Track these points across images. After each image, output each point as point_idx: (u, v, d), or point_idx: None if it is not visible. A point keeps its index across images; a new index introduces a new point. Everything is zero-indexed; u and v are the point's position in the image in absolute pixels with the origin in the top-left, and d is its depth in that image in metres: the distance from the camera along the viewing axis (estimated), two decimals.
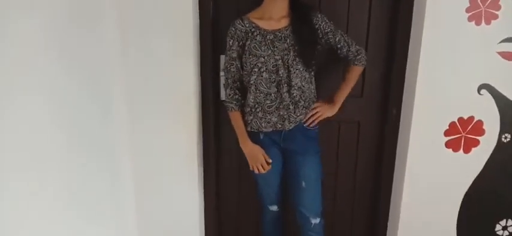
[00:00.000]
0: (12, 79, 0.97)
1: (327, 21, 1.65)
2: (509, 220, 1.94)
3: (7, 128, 0.97)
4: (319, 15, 1.65)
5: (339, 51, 1.67)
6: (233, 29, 1.63)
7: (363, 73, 1.88)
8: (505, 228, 1.96)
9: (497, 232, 1.97)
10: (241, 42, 1.63)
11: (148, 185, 1.92)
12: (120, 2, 1.67)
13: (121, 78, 1.74)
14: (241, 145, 1.71)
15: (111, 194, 1.68)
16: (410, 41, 1.79)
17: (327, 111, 1.71)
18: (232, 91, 1.68)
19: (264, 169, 1.69)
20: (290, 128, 1.65)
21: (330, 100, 1.73)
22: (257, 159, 1.68)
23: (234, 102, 1.69)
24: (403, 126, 1.88)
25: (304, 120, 1.67)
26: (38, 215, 1.11)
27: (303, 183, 1.69)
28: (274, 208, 1.85)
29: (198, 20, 1.80)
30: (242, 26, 1.62)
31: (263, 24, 1.62)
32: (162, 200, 1.94)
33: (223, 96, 1.90)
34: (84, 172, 1.39)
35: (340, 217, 2.11)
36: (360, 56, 1.67)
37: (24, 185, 1.04)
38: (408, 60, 1.81)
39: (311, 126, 1.69)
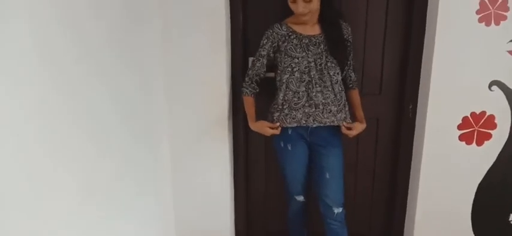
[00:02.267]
0: (80, 69, 1.16)
1: (350, 34, 1.83)
2: None
3: (81, 108, 1.16)
4: (346, 24, 1.83)
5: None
6: (271, 31, 1.80)
7: (381, 72, 2.04)
8: None
9: (511, 222, 2.07)
10: (275, 44, 1.79)
11: (184, 166, 2.10)
12: (164, 9, 1.87)
13: (163, 72, 1.93)
14: (249, 125, 1.89)
15: (153, 171, 1.86)
16: (424, 41, 1.93)
17: (359, 128, 1.84)
18: (250, 80, 1.87)
19: (272, 131, 1.82)
20: (314, 126, 1.78)
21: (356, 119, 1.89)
22: (263, 129, 1.84)
23: (249, 89, 1.87)
24: (418, 121, 2.01)
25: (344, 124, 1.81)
26: (100, 178, 1.30)
27: (327, 174, 1.82)
28: (301, 198, 1.96)
29: (230, 24, 1.98)
30: (280, 30, 1.79)
31: (299, 29, 1.78)
32: (196, 181, 2.11)
33: None
34: (133, 149, 1.59)
35: (360, 207, 2.23)
36: (354, 79, 1.89)
37: (92, 151, 1.23)
38: (423, 59, 1.95)
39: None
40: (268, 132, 1.83)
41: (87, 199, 1.22)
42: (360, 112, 1.90)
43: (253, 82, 1.87)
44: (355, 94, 1.92)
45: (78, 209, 1.17)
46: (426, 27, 1.91)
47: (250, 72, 1.88)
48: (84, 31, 1.18)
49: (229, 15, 1.97)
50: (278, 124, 1.83)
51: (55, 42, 1.03)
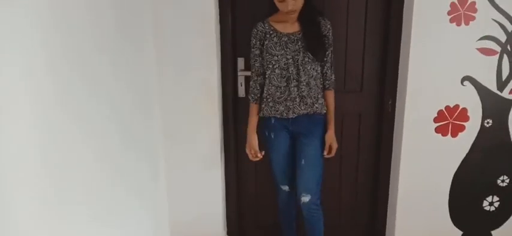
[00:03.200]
0: (77, 72, 1.26)
1: (330, 30, 1.90)
2: (495, 196, 2.19)
3: (85, 113, 1.25)
4: (327, 21, 1.90)
5: (322, 65, 1.92)
6: (255, 30, 1.91)
7: (362, 71, 2.16)
8: (491, 204, 2.20)
9: (485, 207, 2.21)
10: (261, 41, 1.90)
11: (177, 165, 2.19)
12: (157, 13, 1.97)
13: (157, 73, 2.03)
14: (247, 131, 2.01)
15: (149, 173, 1.95)
16: (401, 41, 2.06)
17: (330, 140, 1.96)
18: (254, 85, 1.97)
19: (252, 157, 2.00)
20: (293, 117, 1.89)
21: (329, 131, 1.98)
22: (250, 146, 2.00)
23: (252, 96, 1.98)
24: (398, 115, 2.14)
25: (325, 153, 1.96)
26: (100, 177, 1.39)
27: (302, 161, 1.94)
28: (286, 188, 2.05)
29: (219, 27, 2.08)
30: (262, 28, 1.90)
31: (280, 27, 1.88)
32: (189, 179, 2.21)
33: (240, 93, 2.22)
34: (130, 148, 1.68)
35: (345, 199, 2.35)
36: (332, 80, 1.95)
37: (90, 153, 1.32)
38: (400, 58, 2.08)
39: (331, 156, 1.98)
40: (251, 154, 2.01)
41: (88, 193, 1.31)
42: (330, 117, 1.98)
43: (256, 87, 1.97)
44: (330, 96, 1.98)
45: (81, 205, 1.26)
46: (402, 28, 2.04)
47: (253, 74, 1.98)
48: (81, 35, 1.27)
49: (219, 18, 2.07)
50: (261, 156, 2.00)
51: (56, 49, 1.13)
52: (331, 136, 1.97)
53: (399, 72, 2.10)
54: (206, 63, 2.05)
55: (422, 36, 1.96)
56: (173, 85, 2.08)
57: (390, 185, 2.27)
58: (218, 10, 2.07)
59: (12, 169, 0.91)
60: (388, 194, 2.29)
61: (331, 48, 1.93)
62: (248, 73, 2.19)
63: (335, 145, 1.98)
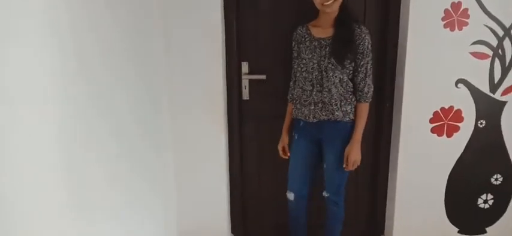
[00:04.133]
0: (103, 80, 1.37)
1: (368, 41, 1.88)
2: (489, 194, 2.28)
3: (100, 112, 1.36)
4: (363, 29, 1.88)
5: (355, 75, 1.91)
6: (295, 33, 2.01)
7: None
8: (485, 201, 2.29)
9: (479, 205, 2.30)
10: (298, 44, 1.99)
11: (184, 165, 2.28)
12: (166, 21, 2.07)
13: (166, 77, 2.13)
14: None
15: (157, 166, 2.05)
16: (398, 46, 2.16)
17: (352, 153, 1.92)
18: (292, 86, 2.07)
19: (281, 153, 2.11)
20: (314, 121, 1.95)
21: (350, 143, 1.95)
22: (280, 143, 2.12)
23: (289, 96, 2.09)
24: (395, 116, 2.24)
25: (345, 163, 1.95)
26: (118, 173, 1.49)
27: (324, 165, 2.04)
28: (291, 195, 2.10)
29: (225, 33, 2.18)
30: (301, 31, 1.99)
31: (315, 32, 1.94)
32: (196, 178, 2.30)
33: (244, 96, 2.32)
34: (142, 149, 1.78)
35: (348, 194, 2.37)
36: (364, 92, 1.91)
37: (112, 147, 1.43)
38: (397, 62, 2.18)
39: (348, 169, 1.95)
40: (279, 149, 2.13)
41: (109, 188, 1.41)
42: (355, 129, 1.93)
43: (293, 88, 2.05)
44: (360, 109, 1.94)
45: (102, 197, 1.36)
46: (399, 34, 2.15)
47: (292, 75, 2.07)
48: (103, 39, 1.38)
49: (224, 25, 2.17)
50: (286, 156, 2.11)
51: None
52: (350, 149, 1.92)
53: (396, 75, 2.20)
54: (212, 68, 2.15)
55: (417, 41, 2.06)
56: (181, 88, 2.17)
57: (389, 183, 2.36)
58: (224, 18, 2.17)
59: (36, 164, 1.01)
60: (386, 192, 2.39)
61: (368, 58, 1.89)
62: (252, 77, 2.30)
63: (353, 158, 1.92)
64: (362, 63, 1.89)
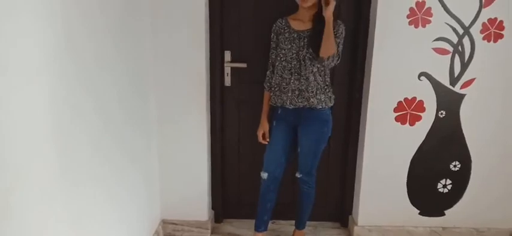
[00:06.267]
0: (95, 75, 1.54)
1: (342, 30, 2.05)
2: (448, 179, 2.47)
3: (100, 98, 1.53)
4: (339, 22, 2.05)
5: None
6: (274, 25, 2.17)
7: (333, 68, 2.28)
8: (444, 186, 2.48)
9: (439, 189, 2.50)
10: (277, 36, 2.15)
11: (168, 146, 2.45)
12: (154, 13, 2.23)
13: (152, 65, 2.29)
14: (261, 115, 2.29)
15: (144, 149, 2.22)
16: (367, 42, 2.33)
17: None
18: (269, 75, 2.23)
19: (260, 139, 2.28)
20: (291, 108, 2.12)
21: None
22: (259, 129, 2.29)
23: (267, 85, 2.25)
24: (363, 106, 2.42)
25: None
26: (102, 152, 1.66)
27: (299, 149, 2.23)
28: (265, 175, 2.26)
29: (209, 22, 2.33)
30: (280, 23, 2.14)
31: (294, 25, 2.10)
32: (179, 159, 2.47)
33: (226, 83, 2.50)
34: (128, 129, 1.96)
35: (319, 177, 2.56)
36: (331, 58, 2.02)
37: (97, 126, 1.60)
38: (366, 56, 2.35)
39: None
40: (259, 135, 2.29)
41: (94, 157, 1.59)
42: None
43: (270, 77, 2.21)
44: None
45: (88, 162, 1.55)
46: (369, 31, 2.32)
47: (269, 65, 2.22)
48: (94, 25, 1.56)
49: (208, 14, 2.32)
50: (265, 142, 2.27)
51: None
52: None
53: (365, 68, 2.38)
54: (196, 55, 2.31)
55: (384, 36, 2.23)
56: (167, 74, 2.32)
57: (357, 168, 2.56)
58: (208, 7, 2.32)
59: (29, 138, 1.17)
60: (355, 175, 2.58)
61: (339, 40, 2.05)
62: (234, 65, 2.48)
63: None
64: (336, 42, 2.03)
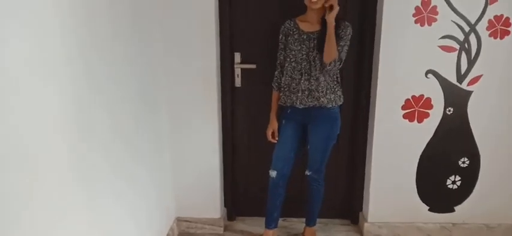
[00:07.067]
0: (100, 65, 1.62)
1: (350, 32, 2.09)
2: (457, 175, 2.49)
3: (113, 90, 1.61)
4: (347, 23, 2.10)
5: None
6: (283, 26, 2.21)
7: (342, 69, 2.29)
8: (454, 182, 2.51)
9: (448, 186, 2.52)
10: (286, 37, 2.20)
11: (180, 148, 2.52)
12: (164, 15, 2.30)
13: (164, 67, 2.36)
14: (270, 115, 2.35)
15: (156, 143, 2.30)
16: (375, 40, 2.37)
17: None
18: (278, 76, 2.28)
19: (269, 137, 2.34)
20: (301, 108, 2.17)
21: None
22: (269, 128, 2.34)
23: (275, 85, 2.30)
24: (371, 103, 2.46)
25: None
26: (114, 149, 1.74)
27: (309, 146, 2.28)
28: (274, 173, 2.30)
29: (219, 24, 2.40)
30: (289, 25, 2.19)
31: (303, 26, 2.14)
32: (191, 158, 2.54)
33: (237, 84, 2.57)
34: (141, 125, 2.04)
35: (328, 175, 2.61)
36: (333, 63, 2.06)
37: (108, 123, 1.67)
38: (373, 55, 2.39)
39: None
40: (268, 134, 2.33)
41: (110, 159, 1.67)
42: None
43: (279, 77, 2.27)
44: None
45: (107, 172, 1.63)
46: (376, 29, 2.36)
47: (277, 66, 2.28)
48: (100, 34, 1.64)
49: (218, 16, 2.39)
50: (275, 140, 2.32)
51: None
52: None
53: (373, 67, 2.41)
54: (206, 57, 2.37)
55: (390, 35, 2.27)
56: (178, 75, 2.39)
57: (366, 165, 2.59)
58: (218, 10, 2.39)
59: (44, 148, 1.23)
60: (364, 173, 2.62)
61: (344, 43, 2.09)
62: (244, 66, 2.55)
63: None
64: (340, 43, 2.09)
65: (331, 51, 2.04)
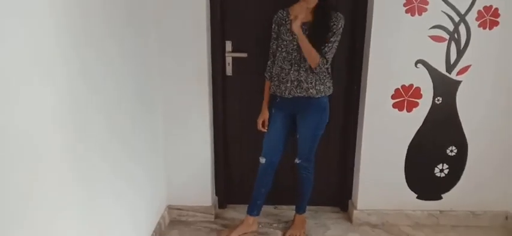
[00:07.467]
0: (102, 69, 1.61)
1: (342, 25, 2.08)
2: (445, 164, 2.53)
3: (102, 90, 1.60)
4: (339, 14, 2.09)
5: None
6: (275, 16, 2.21)
7: (333, 59, 2.28)
8: (441, 170, 2.55)
9: (436, 174, 2.56)
10: (278, 26, 2.20)
11: (173, 134, 2.52)
12: (155, 2, 2.28)
13: (157, 57, 2.35)
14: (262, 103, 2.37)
15: (148, 132, 2.28)
16: (365, 31, 2.38)
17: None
18: (270, 65, 2.29)
19: (260, 126, 2.36)
20: (289, 97, 2.17)
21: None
22: (260, 117, 2.36)
23: (268, 75, 2.31)
24: (361, 93, 2.47)
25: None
26: (110, 142, 1.74)
27: (297, 135, 2.30)
28: (263, 160, 2.35)
29: (210, 12, 2.38)
30: (281, 14, 2.19)
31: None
32: (183, 146, 2.55)
33: (228, 72, 2.57)
34: (134, 114, 2.03)
35: (320, 164, 2.63)
36: (321, 54, 2.07)
37: (104, 116, 1.67)
38: (364, 45, 2.40)
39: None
40: (259, 123, 2.36)
41: (105, 152, 1.67)
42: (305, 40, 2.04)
43: (271, 67, 2.28)
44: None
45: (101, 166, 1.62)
46: (367, 19, 2.36)
47: (270, 55, 2.29)
48: (95, 28, 1.62)
49: (209, 4, 2.38)
50: (264, 129, 2.35)
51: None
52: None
53: (363, 56, 2.43)
54: (197, 45, 2.37)
55: (381, 24, 2.28)
56: (170, 64, 2.38)
57: (355, 153, 2.62)
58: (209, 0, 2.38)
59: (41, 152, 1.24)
60: (354, 161, 2.65)
61: (336, 38, 2.09)
62: (235, 54, 2.54)
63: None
64: (331, 39, 2.09)
65: (311, 57, 2.07)
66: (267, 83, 2.34)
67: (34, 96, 1.18)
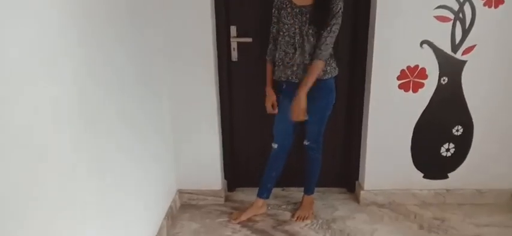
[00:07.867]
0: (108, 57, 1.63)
1: (341, 7, 2.05)
2: (451, 143, 2.56)
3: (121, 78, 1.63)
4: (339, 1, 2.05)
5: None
6: (275, 0, 2.23)
7: (337, 39, 2.33)
8: (447, 150, 2.57)
9: (442, 153, 2.59)
10: (279, 11, 2.19)
11: (180, 119, 2.56)
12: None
13: (162, 42, 2.37)
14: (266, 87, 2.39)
15: (156, 119, 2.33)
16: (370, 11, 2.39)
17: (295, 106, 2.11)
18: (272, 47, 2.31)
19: (268, 110, 2.38)
20: (296, 82, 2.16)
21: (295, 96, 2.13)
22: (267, 100, 2.38)
23: (270, 57, 2.33)
24: (367, 74, 2.49)
25: None
26: (121, 133, 1.78)
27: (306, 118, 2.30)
28: (275, 145, 2.39)
29: None
30: None
31: (295, 0, 2.14)
32: (190, 132, 2.59)
33: (233, 58, 2.59)
34: (141, 101, 2.07)
35: (327, 144, 2.62)
36: (322, 49, 2.06)
37: (114, 103, 1.71)
38: (369, 26, 2.40)
39: (293, 119, 2.15)
40: (268, 106, 2.38)
41: (116, 143, 1.71)
42: (303, 84, 2.09)
43: (272, 49, 2.30)
44: (314, 65, 2.09)
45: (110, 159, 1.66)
46: (371, 1, 2.37)
47: (270, 39, 2.31)
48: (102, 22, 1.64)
49: None
50: (275, 111, 2.35)
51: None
52: (294, 102, 2.12)
53: (368, 37, 2.43)
54: (202, 30, 2.38)
55: (386, 5, 2.28)
56: (176, 50, 2.41)
57: (362, 134, 2.65)
58: None
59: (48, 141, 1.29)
60: (360, 142, 2.68)
61: (336, 21, 2.06)
62: (240, 40, 2.56)
63: (297, 111, 2.11)
64: (331, 22, 2.06)
65: (318, 73, 2.13)
66: (269, 66, 2.35)
67: (39, 89, 1.18)
